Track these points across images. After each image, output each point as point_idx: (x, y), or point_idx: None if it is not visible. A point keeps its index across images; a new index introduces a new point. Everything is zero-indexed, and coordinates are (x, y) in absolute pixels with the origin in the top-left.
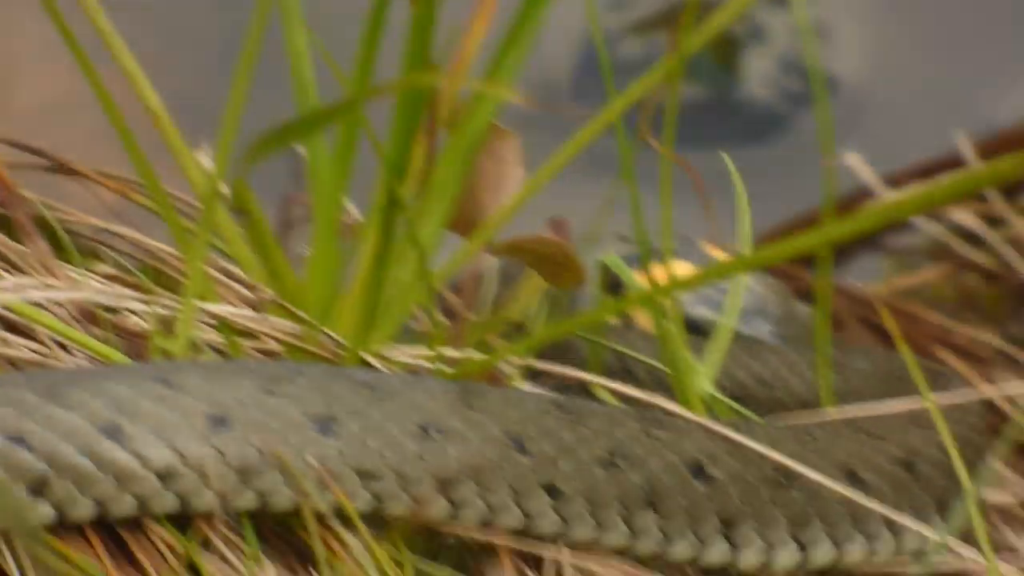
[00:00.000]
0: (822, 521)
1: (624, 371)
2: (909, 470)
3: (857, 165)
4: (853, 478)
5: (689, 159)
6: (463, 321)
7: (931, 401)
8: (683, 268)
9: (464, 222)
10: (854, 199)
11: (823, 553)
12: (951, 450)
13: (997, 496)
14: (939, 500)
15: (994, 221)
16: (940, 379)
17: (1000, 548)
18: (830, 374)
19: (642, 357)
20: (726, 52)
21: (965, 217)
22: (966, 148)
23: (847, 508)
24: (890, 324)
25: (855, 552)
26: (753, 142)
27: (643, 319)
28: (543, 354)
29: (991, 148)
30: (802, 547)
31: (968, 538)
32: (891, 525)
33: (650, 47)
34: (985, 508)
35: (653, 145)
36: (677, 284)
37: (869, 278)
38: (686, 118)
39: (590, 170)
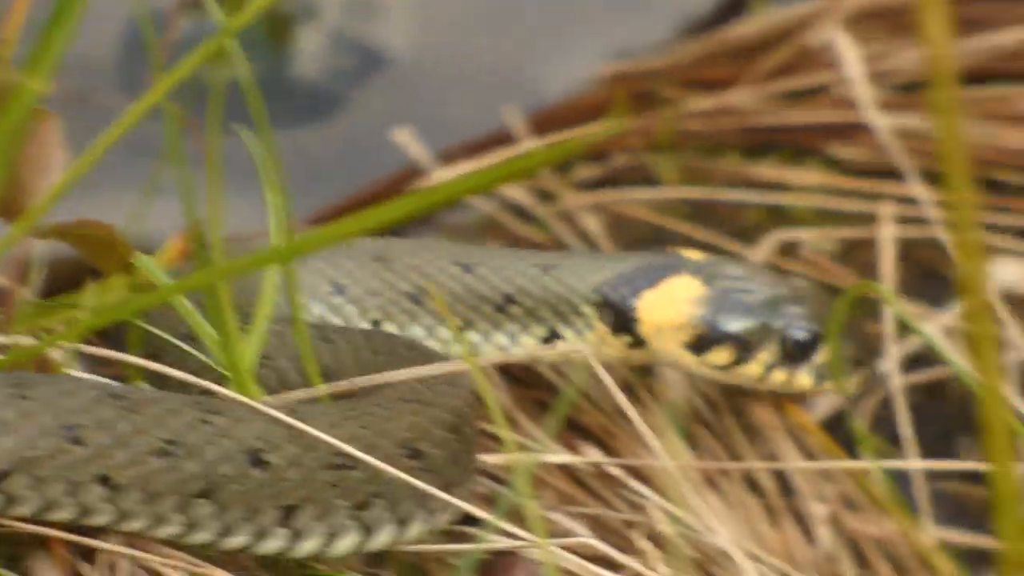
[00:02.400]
0: (385, 501)
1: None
2: (457, 434)
3: (407, 142)
4: (415, 453)
5: (243, 140)
6: (12, 306)
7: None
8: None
9: (11, 206)
10: (405, 176)
11: (385, 535)
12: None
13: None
14: (475, 467)
15: (546, 196)
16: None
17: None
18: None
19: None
20: (278, 29)
21: (518, 193)
22: (515, 122)
23: (410, 488)
24: (440, 304)
25: (417, 529)
26: (309, 121)
27: None
28: (110, 339)
29: (541, 121)
30: (365, 529)
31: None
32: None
33: (202, 25)
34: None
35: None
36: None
37: None
38: (240, 98)
39: (142, 153)
